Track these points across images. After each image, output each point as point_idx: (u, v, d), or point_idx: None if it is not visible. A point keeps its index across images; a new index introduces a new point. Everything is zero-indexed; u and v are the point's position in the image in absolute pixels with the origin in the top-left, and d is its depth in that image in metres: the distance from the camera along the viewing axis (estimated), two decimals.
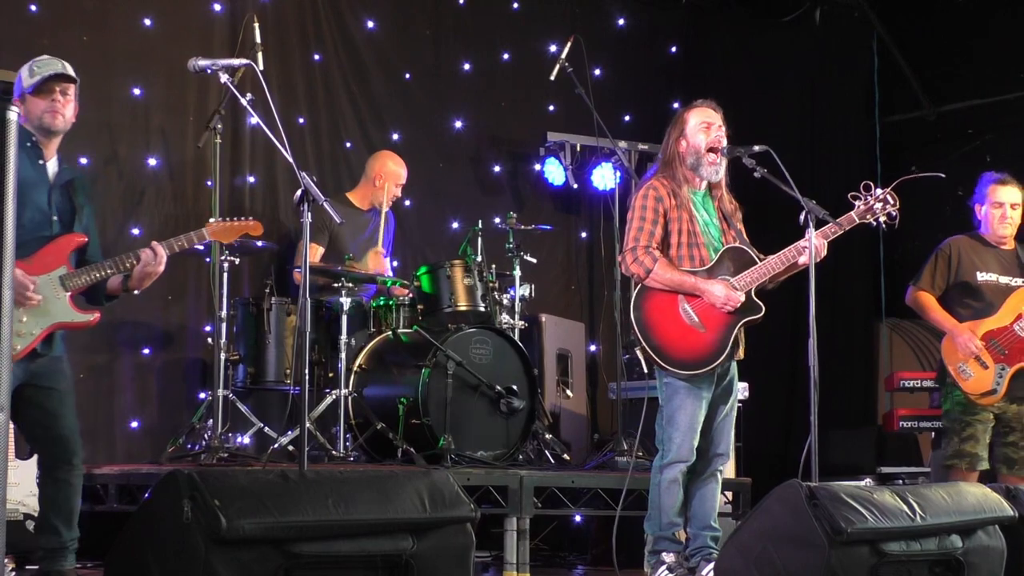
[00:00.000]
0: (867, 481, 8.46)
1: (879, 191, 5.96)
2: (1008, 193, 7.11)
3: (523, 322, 8.22)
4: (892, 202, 5.96)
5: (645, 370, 5.87)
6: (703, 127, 6.00)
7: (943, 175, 6.45)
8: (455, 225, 9.28)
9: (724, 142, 5.99)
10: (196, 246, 5.86)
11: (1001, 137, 10.37)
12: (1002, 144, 10.29)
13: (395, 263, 8.48)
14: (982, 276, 7.02)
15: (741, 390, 8.06)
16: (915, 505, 5.14)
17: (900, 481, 8.73)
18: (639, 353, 5.89)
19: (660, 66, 10.49)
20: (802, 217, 5.79)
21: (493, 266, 7.97)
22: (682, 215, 5.91)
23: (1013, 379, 6.90)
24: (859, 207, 5.97)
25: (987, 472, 6.92)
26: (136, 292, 5.57)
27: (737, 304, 5.82)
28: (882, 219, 5.98)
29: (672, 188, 5.93)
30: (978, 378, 6.88)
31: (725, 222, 6.04)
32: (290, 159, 5.48)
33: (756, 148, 5.95)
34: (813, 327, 5.70)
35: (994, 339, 6.91)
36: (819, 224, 5.83)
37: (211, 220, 6.06)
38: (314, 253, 7.96)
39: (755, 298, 5.90)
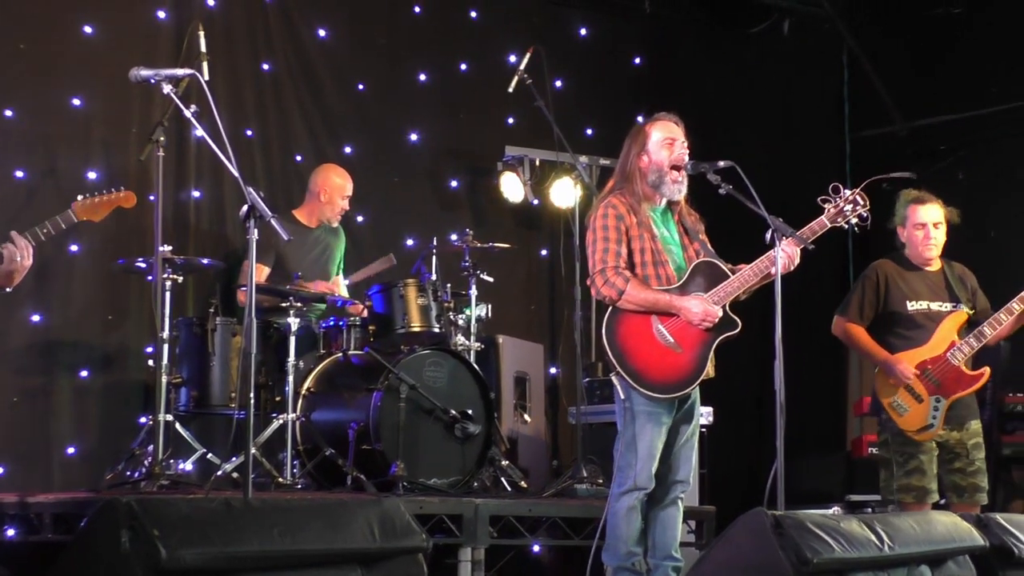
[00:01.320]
0: (835, 509, 8.52)
1: (847, 192, 5.99)
2: (928, 212, 7.01)
3: (479, 343, 8.22)
4: (862, 203, 5.99)
5: (622, 396, 5.83)
6: (666, 143, 5.99)
7: (914, 175, 6.49)
8: (410, 242, 9.29)
9: (687, 159, 6.00)
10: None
11: (974, 153, 10.45)
12: (975, 161, 10.37)
13: (347, 281, 8.47)
14: (912, 305, 6.94)
15: (705, 414, 8.15)
16: (883, 534, 5.17)
17: (869, 509, 8.76)
18: (615, 379, 5.87)
19: (623, 78, 10.53)
20: (768, 235, 5.82)
21: (448, 285, 7.97)
22: (643, 233, 5.90)
23: (949, 409, 6.82)
24: (829, 211, 6.00)
25: (937, 504, 6.87)
26: (8, 290, 5.52)
27: (715, 319, 5.83)
28: (853, 221, 6.01)
29: (631, 205, 5.92)
30: (913, 413, 6.80)
31: (686, 236, 6.05)
32: (236, 174, 5.47)
33: (721, 163, 5.95)
34: (779, 349, 5.72)
35: (927, 369, 6.83)
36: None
37: (78, 197, 6.03)
38: (258, 273, 7.94)
39: (730, 313, 5.92)
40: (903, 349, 6.92)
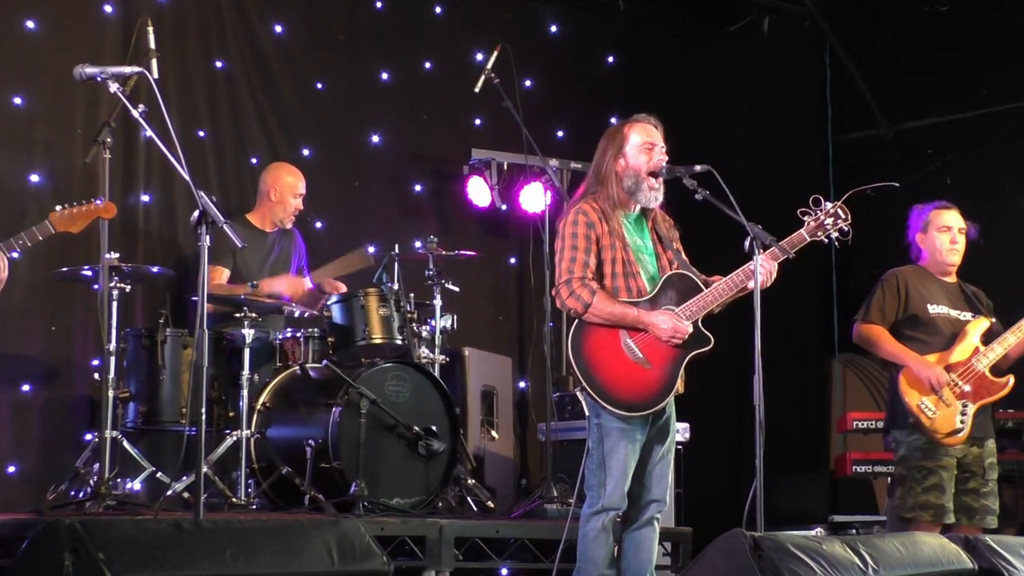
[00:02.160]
0: (818, 531, 8.53)
1: (829, 205, 6.01)
2: (954, 217, 7.16)
3: (444, 356, 8.22)
4: (844, 216, 6.00)
5: (587, 413, 5.84)
6: (645, 148, 5.96)
7: (896, 184, 6.51)
8: (371, 250, 9.27)
9: (664, 165, 5.99)
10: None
11: (963, 158, 10.50)
12: (964, 165, 10.42)
13: (314, 283, 8.42)
14: (933, 308, 7.03)
15: (681, 431, 8.16)
16: (867, 557, 5.19)
17: (853, 531, 8.79)
18: (580, 395, 5.87)
19: (596, 78, 10.55)
20: (747, 243, 5.82)
21: (412, 295, 7.97)
22: (615, 242, 5.88)
23: (975, 416, 6.89)
24: (809, 224, 6.01)
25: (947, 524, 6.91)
26: None
27: (685, 336, 5.82)
28: (834, 235, 6.02)
29: (604, 211, 5.90)
30: (943, 416, 6.83)
31: (660, 245, 6.04)
32: (186, 177, 5.46)
33: (698, 168, 5.94)
34: (759, 363, 5.73)
35: (953, 374, 6.91)
36: (766, 250, 5.86)
37: (56, 208, 6.01)
38: (219, 276, 7.93)
39: (703, 328, 5.91)
40: (924, 354, 6.97)
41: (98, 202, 6.17)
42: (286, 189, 8.24)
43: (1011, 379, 6.98)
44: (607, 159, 5.99)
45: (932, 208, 7.19)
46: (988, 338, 6.99)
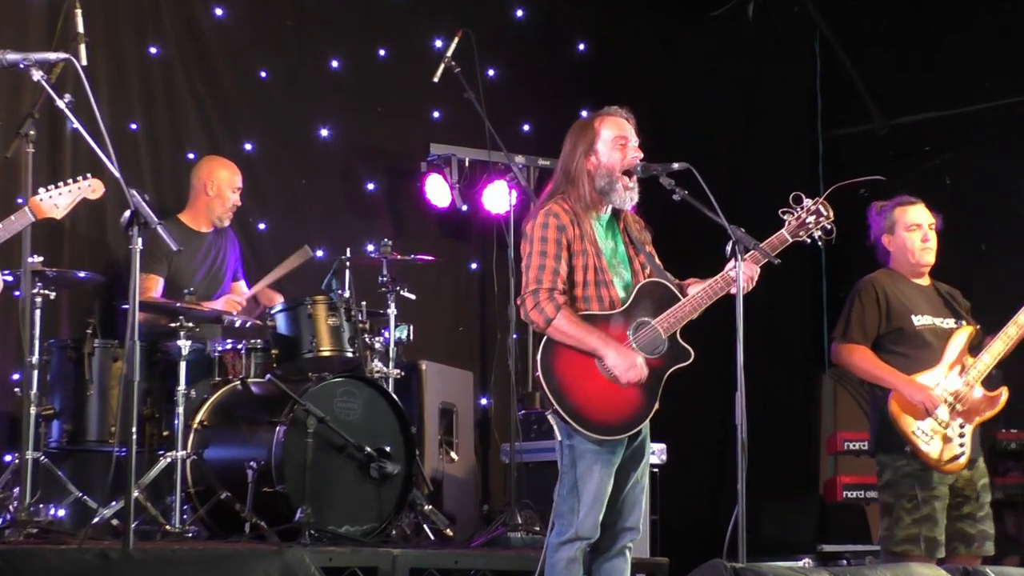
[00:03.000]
0: (805, 561, 8.55)
1: (809, 202, 6.02)
2: (922, 213, 7.10)
3: (399, 370, 8.23)
4: (825, 213, 6.01)
5: (558, 437, 5.82)
6: (618, 144, 5.96)
7: (883, 178, 6.51)
8: (319, 253, 9.27)
9: (640, 162, 5.97)
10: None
11: (964, 156, 10.50)
12: (964, 164, 10.43)
13: (252, 290, 8.40)
14: (918, 320, 6.98)
15: (657, 452, 8.19)
16: None
17: (844, 562, 8.81)
18: (551, 419, 5.84)
19: (566, 67, 10.58)
20: (728, 247, 5.83)
21: (364, 303, 7.97)
22: (587, 247, 5.85)
23: (972, 436, 6.88)
24: (790, 223, 6.02)
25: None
26: None
27: (638, 380, 5.79)
28: (817, 234, 6.04)
29: (575, 213, 5.89)
30: (940, 441, 6.81)
31: (632, 248, 6.03)
32: (116, 173, 5.45)
33: (675, 165, 5.94)
34: (741, 378, 5.75)
35: (945, 392, 6.86)
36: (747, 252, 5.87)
37: (39, 191, 5.99)
38: (152, 286, 7.92)
39: (682, 341, 5.91)
40: (911, 371, 6.93)
41: (85, 182, 6.13)
42: (223, 183, 8.24)
43: (1004, 392, 6.98)
44: (577, 156, 5.97)
45: (895, 205, 7.12)
46: (974, 347, 6.98)
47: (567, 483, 5.84)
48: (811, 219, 6.01)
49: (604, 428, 5.78)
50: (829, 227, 6.01)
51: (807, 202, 6.02)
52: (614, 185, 5.93)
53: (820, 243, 6.07)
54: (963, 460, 6.85)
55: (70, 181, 6.25)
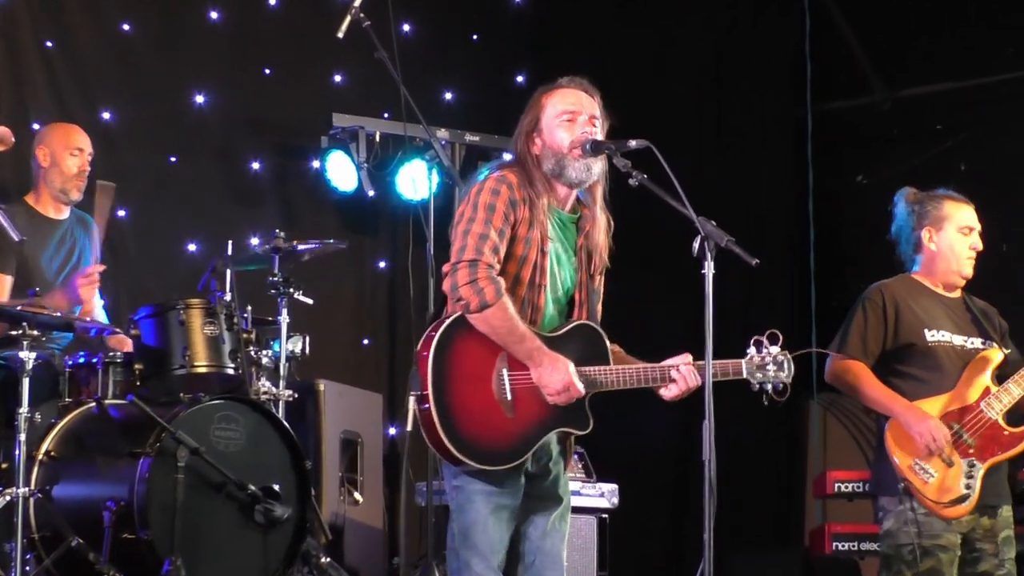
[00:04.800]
0: None
1: (776, 350, 6.06)
2: (975, 217, 7.18)
3: (292, 391, 8.25)
4: (786, 373, 6.03)
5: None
6: (563, 119, 5.94)
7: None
8: (192, 247, 9.28)
9: (590, 139, 5.96)
10: None
11: (981, 136, 10.58)
12: (982, 146, 10.52)
13: (104, 300, 8.42)
14: (932, 335, 7.04)
15: (607, 494, 8.25)
16: None
17: None
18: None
19: (499, 24, 10.63)
20: (696, 244, 5.83)
21: (249, 308, 7.98)
22: (532, 237, 5.82)
23: (985, 477, 6.92)
24: (752, 358, 6.04)
25: None
26: None
27: (572, 400, 5.81)
28: (768, 387, 6.06)
29: (531, 195, 5.88)
30: (942, 479, 6.86)
31: (584, 269, 6.04)
32: None
33: (633, 143, 5.90)
34: (710, 405, 5.76)
35: (955, 423, 6.92)
36: (719, 253, 5.90)
37: None
38: (0, 286, 7.89)
39: (587, 408, 5.89)
40: (919, 396, 7.00)
41: None
42: (58, 145, 8.14)
43: None
44: (521, 137, 5.98)
45: (948, 198, 7.19)
46: (1002, 375, 7.03)
47: (456, 531, 5.82)
48: (772, 368, 6.04)
49: (474, 451, 5.70)
50: (781, 387, 6.04)
51: (775, 350, 6.04)
52: (564, 163, 5.88)
53: (765, 400, 6.09)
54: (968, 504, 6.87)
55: None
